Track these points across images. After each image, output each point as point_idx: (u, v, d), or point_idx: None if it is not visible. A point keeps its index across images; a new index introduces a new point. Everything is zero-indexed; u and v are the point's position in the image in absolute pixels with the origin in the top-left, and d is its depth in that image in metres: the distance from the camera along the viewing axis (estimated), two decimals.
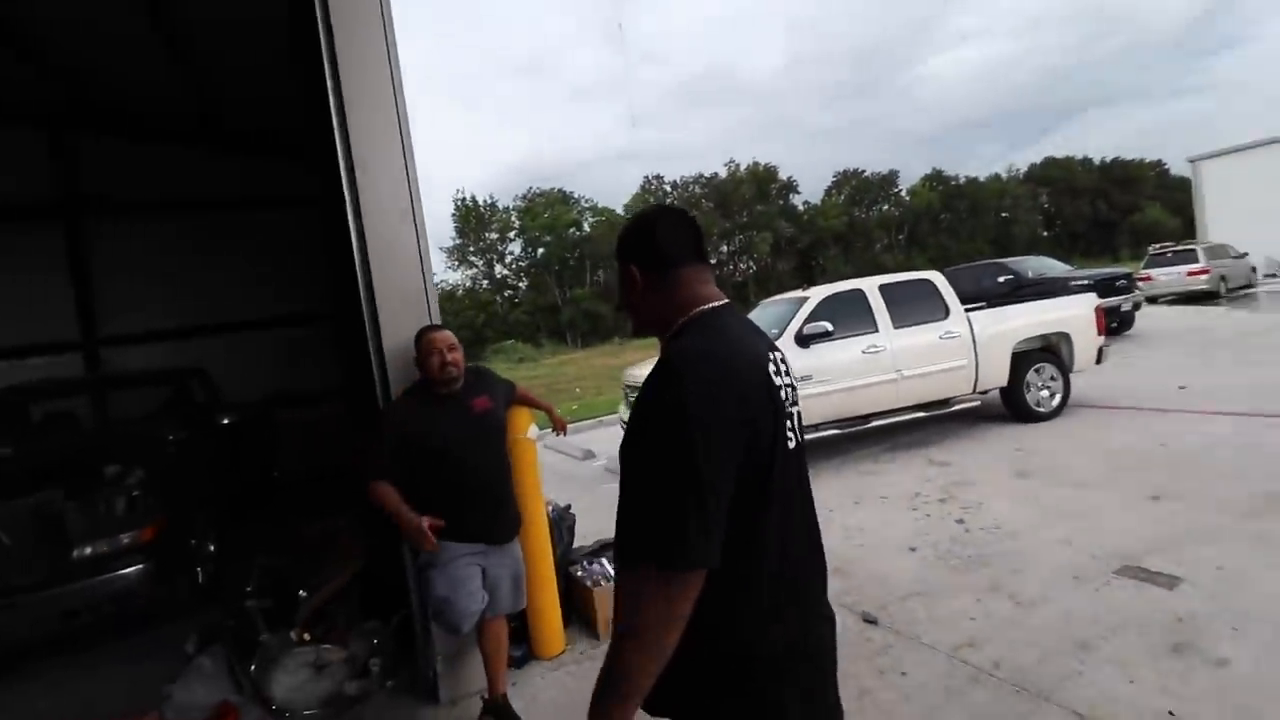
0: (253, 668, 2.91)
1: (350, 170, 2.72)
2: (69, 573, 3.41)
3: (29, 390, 4.95)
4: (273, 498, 6.31)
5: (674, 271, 1.22)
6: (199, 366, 5.96)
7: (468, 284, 44.43)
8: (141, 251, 7.57)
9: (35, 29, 5.37)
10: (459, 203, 44.51)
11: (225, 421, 5.21)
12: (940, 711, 2.45)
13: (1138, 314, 12.00)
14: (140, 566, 3.53)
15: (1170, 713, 2.25)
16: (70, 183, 7.31)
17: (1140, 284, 13.65)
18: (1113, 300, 10.83)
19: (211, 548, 4.34)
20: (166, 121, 7.34)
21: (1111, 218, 52.31)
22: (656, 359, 1.21)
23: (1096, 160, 56.32)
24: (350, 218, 2.74)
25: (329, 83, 2.74)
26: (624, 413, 6.80)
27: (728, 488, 1.00)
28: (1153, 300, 15.26)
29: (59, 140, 7.23)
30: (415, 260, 2.84)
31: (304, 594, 3.49)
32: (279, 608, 3.32)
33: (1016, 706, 2.41)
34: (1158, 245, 17.40)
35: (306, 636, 3.13)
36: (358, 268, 2.78)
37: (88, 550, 3.47)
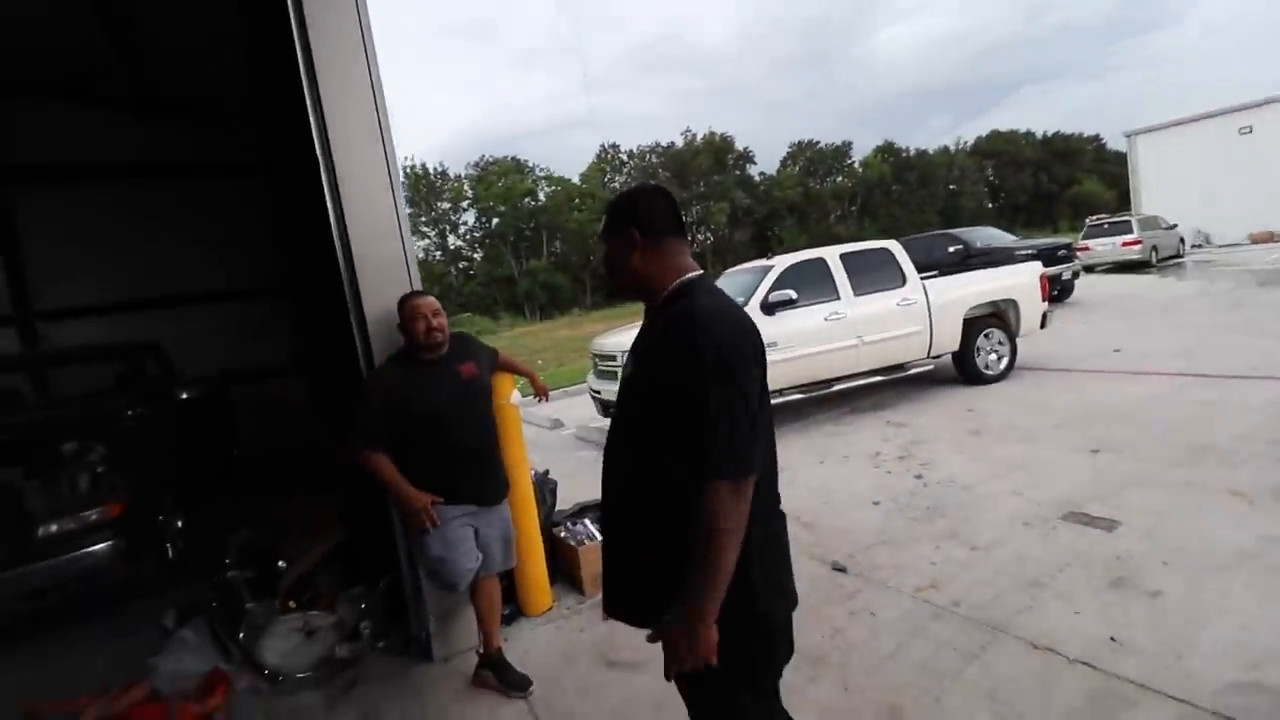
0: (241, 635, 2.91)
1: (325, 139, 2.65)
2: (34, 552, 3.31)
3: None
4: (235, 475, 6.16)
5: (666, 240, 1.42)
6: (152, 340, 5.73)
7: (420, 255, 43.18)
8: (78, 221, 7.15)
9: None
10: (408, 170, 42.96)
11: (184, 397, 5.05)
12: (907, 646, 2.64)
13: (1077, 282, 12.63)
14: (109, 543, 3.45)
15: (1112, 638, 2.49)
16: None
17: (1079, 254, 14.33)
18: (1054, 269, 11.36)
19: (179, 524, 4.25)
20: (101, 85, 6.87)
21: (1051, 190, 54.34)
22: (643, 323, 1.48)
23: (1038, 134, 58.25)
24: (326, 187, 2.69)
25: (298, 46, 2.65)
26: (593, 382, 6.85)
27: (756, 411, 1.27)
28: (1090, 269, 16.06)
29: None
30: (394, 227, 2.81)
31: (283, 564, 3.49)
32: (261, 578, 3.31)
33: (976, 638, 2.62)
34: (1095, 217, 18.26)
35: (292, 605, 3.13)
36: (335, 237, 2.73)
37: (53, 528, 3.38)
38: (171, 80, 6.83)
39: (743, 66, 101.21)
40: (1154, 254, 16.53)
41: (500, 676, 2.61)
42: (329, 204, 2.72)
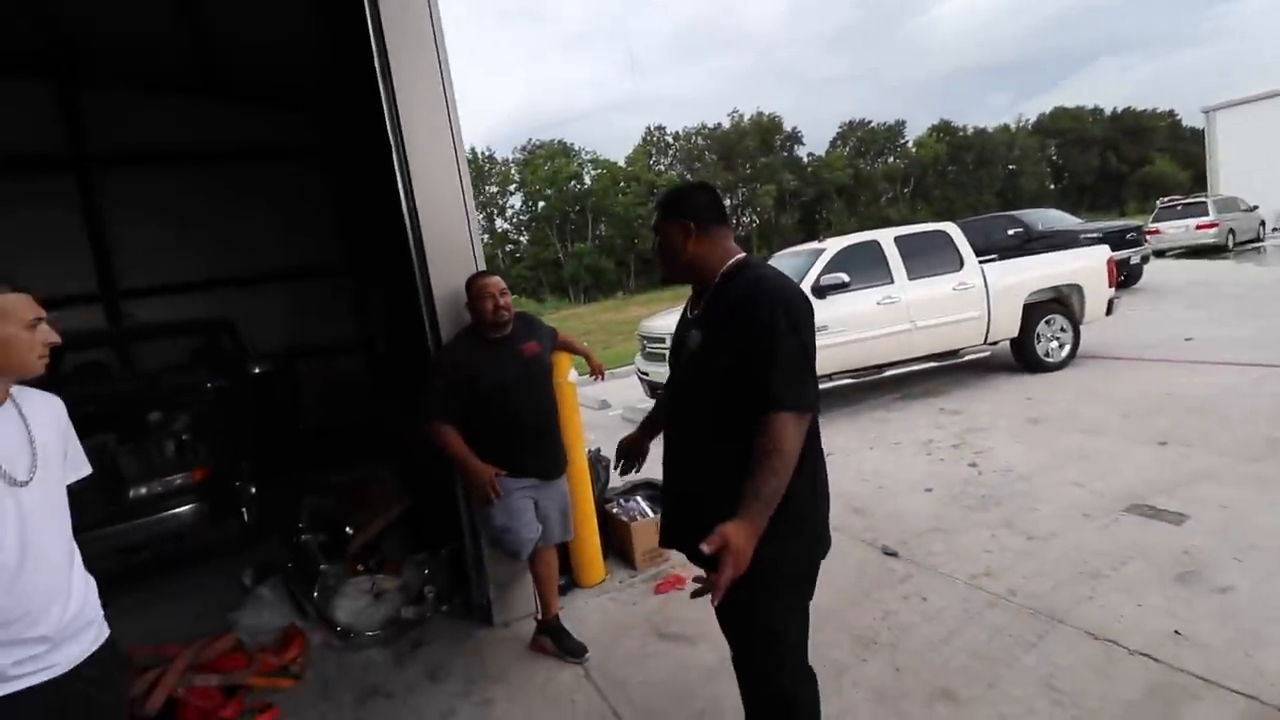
0: (315, 595, 3.11)
1: (396, 122, 2.76)
2: (127, 512, 3.58)
3: (72, 340, 5.05)
4: (301, 446, 6.48)
5: (713, 228, 1.62)
6: (226, 318, 6.05)
7: None
8: (156, 204, 7.54)
9: None
10: None
11: (256, 371, 5.33)
12: (961, 631, 2.63)
13: (1146, 267, 12.02)
14: (194, 505, 3.71)
15: (1176, 632, 2.43)
16: (80, 135, 7.23)
17: (1148, 237, 13.63)
18: (1122, 253, 10.83)
19: (253, 490, 4.51)
20: (176, 73, 7.21)
21: (1120, 170, 51.50)
22: (701, 303, 1.65)
23: (1108, 110, 55.09)
24: (398, 170, 2.80)
25: (371, 32, 2.75)
26: (641, 364, 6.92)
27: (814, 359, 1.50)
28: (1160, 254, 15.25)
29: (67, 92, 7.11)
30: (460, 209, 2.91)
31: (350, 530, 3.69)
32: (332, 542, 3.51)
33: (1032, 626, 2.59)
34: (1166, 198, 17.27)
35: (360, 568, 3.32)
36: (406, 218, 2.85)
37: (143, 491, 3.65)
38: (243, 67, 7.10)
39: (792, 45, 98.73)
40: (1231, 238, 15.57)
41: (558, 642, 2.73)
42: (400, 186, 2.83)
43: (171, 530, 3.73)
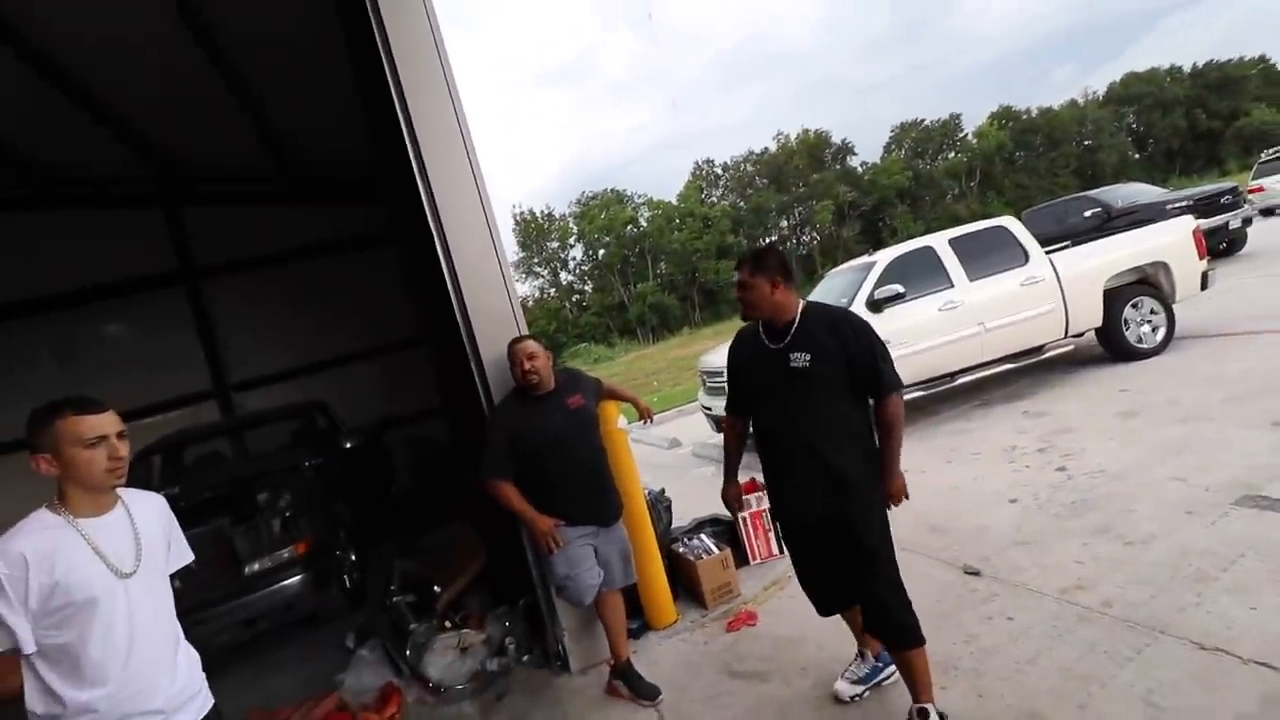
0: (408, 653, 3.31)
1: (436, 214, 3.06)
2: (244, 587, 3.96)
3: (188, 436, 5.72)
4: (393, 510, 6.90)
5: (788, 283, 2.20)
6: (320, 399, 6.60)
7: (536, 294, 45.72)
8: (254, 304, 8.40)
9: (147, 123, 6.17)
10: (518, 217, 45.87)
11: (349, 445, 5.78)
12: (1050, 650, 2.49)
13: (1250, 230, 10.98)
14: (300, 577, 4.04)
15: None
16: (187, 251, 8.21)
17: (1251, 196, 12.46)
18: (1218, 219, 9.99)
19: (353, 557, 4.85)
20: (259, 186, 8.15)
21: (1212, 127, 47.45)
22: (788, 335, 2.19)
23: (1187, 68, 51.15)
24: (441, 254, 3.08)
25: (406, 135, 3.08)
26: (704, 399, 6.96)
27: None
28: (1269, 212, 13.86)
29: (172, 215, 8.13)
30: (500, 282, 3.15)
31: (438, 589, 3.91)
32: (421, 602, 3.73)
33: (1130, 640, 2.42)
34: (1269, 151, 15.75)
35: (447, 625, 3.51)
36: (452, 295, 3.11)
37: (256, 567, 4.02)
38: (315, 169, 7.92)
39: (833, 57, 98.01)
40: None
41: (631, 685, 2.78)
42: (444, 266, 3.10)
43: (283, 600, 4.07)
